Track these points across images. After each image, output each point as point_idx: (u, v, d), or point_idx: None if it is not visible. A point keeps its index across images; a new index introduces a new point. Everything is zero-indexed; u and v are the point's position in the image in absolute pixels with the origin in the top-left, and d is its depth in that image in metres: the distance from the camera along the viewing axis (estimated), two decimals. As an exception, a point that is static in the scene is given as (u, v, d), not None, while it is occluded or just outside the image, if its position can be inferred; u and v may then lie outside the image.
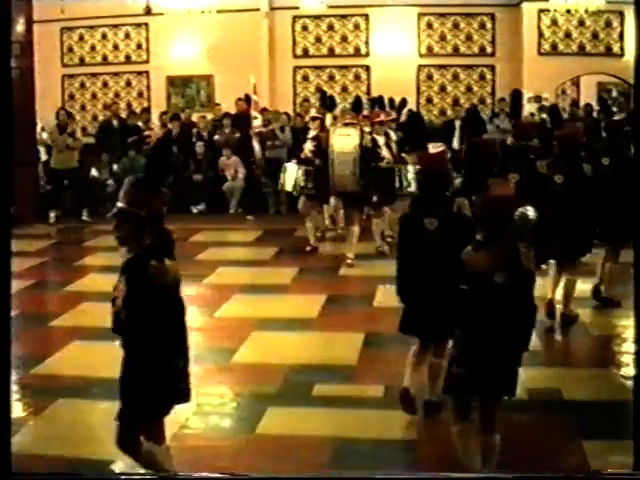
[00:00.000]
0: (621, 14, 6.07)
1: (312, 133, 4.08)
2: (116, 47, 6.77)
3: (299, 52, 6.61)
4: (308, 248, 4.21)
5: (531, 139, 2.92)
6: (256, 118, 5.31)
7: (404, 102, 4.87)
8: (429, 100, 6.55)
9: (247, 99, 5.45)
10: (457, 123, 6.00)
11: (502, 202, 1.59)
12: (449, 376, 1.64)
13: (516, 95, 3.35)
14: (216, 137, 5.93)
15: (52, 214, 5.25)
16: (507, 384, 1.61)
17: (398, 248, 1.81)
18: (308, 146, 4.00)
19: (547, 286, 2.74)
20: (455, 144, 5.95)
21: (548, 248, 2.47)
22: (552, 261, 2.76)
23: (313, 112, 4.37)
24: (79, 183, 5.38)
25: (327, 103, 4.18)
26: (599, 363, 2.53)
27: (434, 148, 1.88)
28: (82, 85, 6.86)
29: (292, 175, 4.04)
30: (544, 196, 2.41)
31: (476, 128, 4.05)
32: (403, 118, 5.48)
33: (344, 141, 3.78)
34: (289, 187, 4.15)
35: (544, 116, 5.28)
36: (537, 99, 6.14)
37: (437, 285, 1.76)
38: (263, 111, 5.80)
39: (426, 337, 1.88)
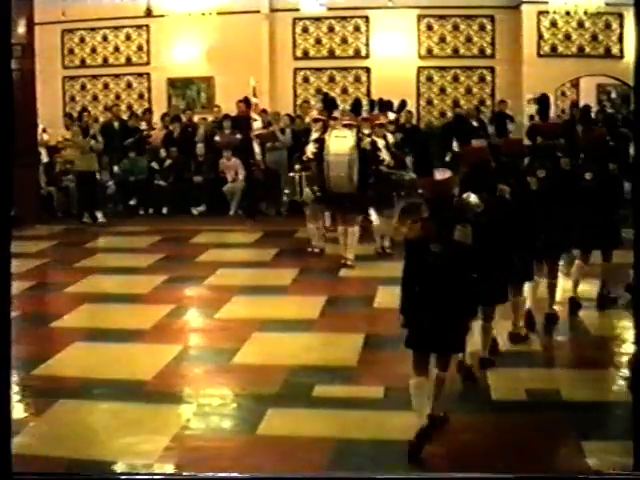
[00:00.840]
0: (620, 16, 6.08)
1: (314, 135, 4.07)
2: (117, 49, 6.79)
3: (299, 54, 6.62)
4: (316, 250, 4.20)
5: (558, 138, 3.01)
6: (256, 120, 5.33)
7: (403, 104, 4.86)
8: (429, 102, 6.56)
9: (247, 101, 5.47)
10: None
11: (441, 185, 1.87)
12: (407, 336, 1.88)
13: (544, 99, 3.49)
14: (216, 138, 5.94)
15: (86, 214, 5.26)
16: (452, 343, 1.86)
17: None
18: (310, 148, 4.00)
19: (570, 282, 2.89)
20: (455, 145, 5.97)
21: (580, 239, 2.78)
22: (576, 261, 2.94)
23: (315, 114, 4.36)
24: (95, 186, 5.38)
25: (329, 105, 4.18)
26: (599, 363, 2.53)
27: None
28: (83, 87, 6.88)
29: (296, 184, 4.03)
30: (571, 191, 2.69)
31: (466, 135, 4.28)
32: (402, 120, 5.58)
33: (340, 143, 3.78)
34: (297, 197, 4.16)
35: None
36: (536, 101, 6.15)
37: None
38: (263, 113, 5.83)
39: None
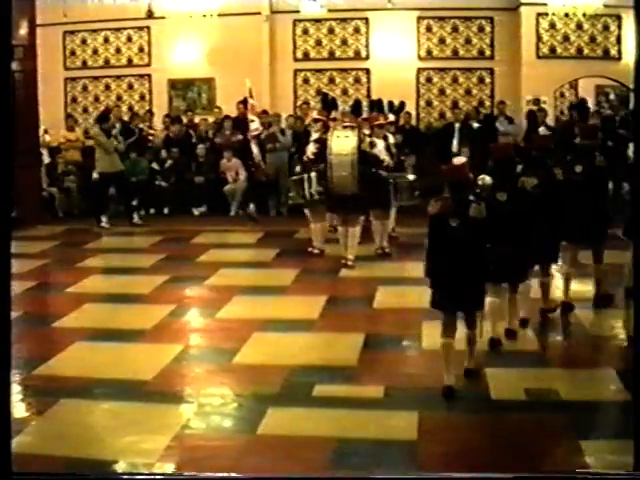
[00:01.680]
0: (619, 18, 6.08)
1: (315, 135, 4.07)
2: (118, 50, 6.80)
3: (300, 55, 6.63)
4: (316, 251, 4.21)
5: (595, 138, 3.17)
6: (253, 121, 5.34)
7: (402, 105, 4.87)
8: (428, 103, 6.56)
9: (244, 102, 5.49)
10: (457, 126, 6.02)
11: (458, 169, 2.27)
12: (431, 297, 2.24)
13: (583, 103, 4.02)
14: (216, 139, 5.97)
15: (104, 218, 5.16)
16: (472, 302, 2.22)
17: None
18: (311, 148, 4.00)
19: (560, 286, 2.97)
20: (454, 146, 5.99)
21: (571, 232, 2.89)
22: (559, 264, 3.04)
23: (315, 114, 4.36)
24: (125, 186, 5.31)
25: (329, 105, 4.19)
26: (598, 363, 2.54)
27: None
28: (84, 88, 6.88)
29: (299, 186, 4.00)
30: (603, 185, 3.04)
31: (493, 133, 4.73)
32: (402, 121, 5.59)
33: (342, 143, 3.79)
34: (300, 199, 4.14)
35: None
36: (535, 102, 6.18)
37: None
38: (263, 114, 5.84)
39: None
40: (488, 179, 2.43)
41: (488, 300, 2.37)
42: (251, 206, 5.44)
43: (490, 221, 2.24)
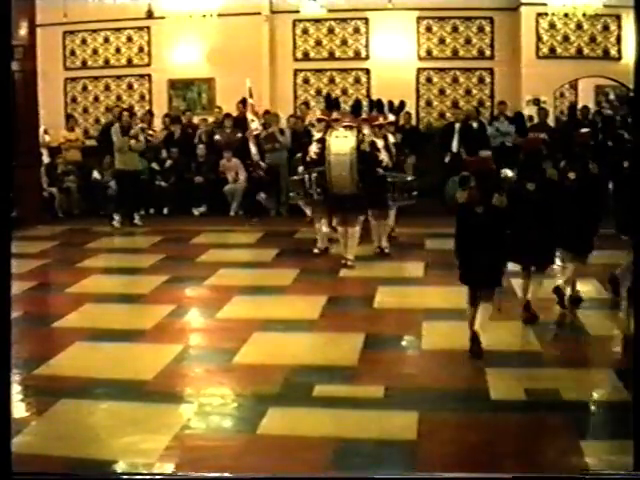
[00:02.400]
0: (618, 18, 6.08)
1: (317, 135, 4.07)
2: (118, 50, 6.79)
3: (299, 55, 6.63)
4: (316, 250, 4.21)
5: (588, 146, 3.34)
6: (253, 121, 5.34)
7: (402, 105, 4.87)
8: (428, 103, 6.55)
9: (243, 102, 5.48)
10: (457, 126, 6.01)
11: (483, 162, 2.74)
12: (459, 273, 2.58)
13: (574, 110, 4.25)
14: (216, 137, 5.93)
15: (116, 217, 5.11)
16: (494, 280, 2.52)
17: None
18: (313, 148, 3.99)
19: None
20: (454, 146, 5.98)
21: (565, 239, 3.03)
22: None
23: (318, 114, 4.35)
24: (141, 185, 5.24)
25: (332, 105, 4.18)
26: (598, 363, 2.54)
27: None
28: (84, 88, 6.87)
29: (300, 186, 4.00)
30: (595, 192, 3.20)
31: (525, 130, 5.04)
32: (402, 121, 5.59)
33: (341, 143, 3.79)
34: (301, 199, 4.13)
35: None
36: (535, 102, 6.18)
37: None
38: (265, 114, 5.83)
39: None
40: (510, 172, 2.81)
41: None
42: (262, 194, 5.42)
43: (519, 208, 2.61)
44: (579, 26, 6.15)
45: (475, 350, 2.48)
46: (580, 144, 3.08)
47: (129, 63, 6.79)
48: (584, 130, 3.82)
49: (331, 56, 6.59)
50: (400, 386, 2.30)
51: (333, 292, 3.46)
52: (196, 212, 5.77)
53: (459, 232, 2.53)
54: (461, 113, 6.14)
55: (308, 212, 4.38)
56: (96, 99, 6.84)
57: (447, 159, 5.92)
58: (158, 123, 6.37)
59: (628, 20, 5.86)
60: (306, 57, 6.63)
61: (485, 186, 2.48)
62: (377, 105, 4.36)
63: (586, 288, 3.15)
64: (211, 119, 6.27)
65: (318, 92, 6.44)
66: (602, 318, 3.02)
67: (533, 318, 2.84)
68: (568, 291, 3.03)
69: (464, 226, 2.51)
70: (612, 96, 6.96)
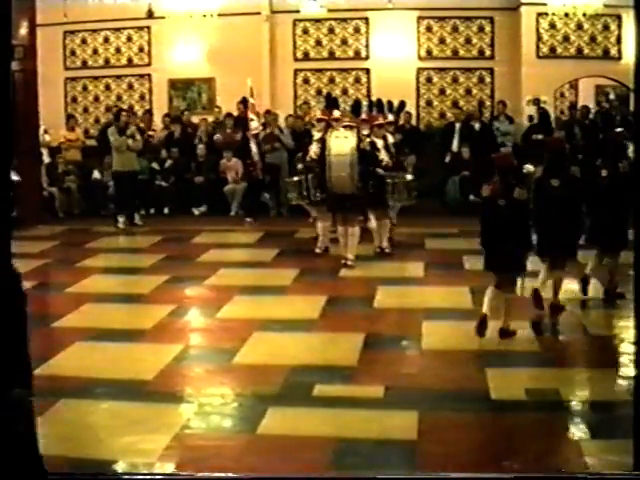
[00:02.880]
0: (619, 17, 6.08)
1: (317, 135, 4.07)
2: (118, 50, 6.79)
3: (300, 55, 6.62)
4: (317, 250, 4.21)
5: (563, 151, 3.44)
6: (253, 120, 5.34)
7: (402, 105, 4.87)
8: (428, 103, 6.55)
9: (244, 102, 5.48)
10: (457, 126, 6.01)
11: (505, 158, 2.95)
12: (484, 261, 2.77)
13: (546, 116, 4.40)
14: (216, 136, 5.93)
15: (121, 219, 5.06)
16: (517, 267, 2.69)
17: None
18: (313, 148, 4.00)
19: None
20: (454, 146, 5.98)
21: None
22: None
23: (318, 114, 4.37)
24: (139, 185, 5.20)
25: (332, 104, 4.19)
26: (598, 363, 2.54)
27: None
28: (84, 88, 6.88)
29: (303, 187, 4.01)
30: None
31: (550, 129, 5.17)
32: (402, 121, 5.58)
33: (341, 143, 3.80)
34: (300, 200, 4.14)
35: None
36: (535, 102, 6.18)
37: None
38: (266, 114, 5.81)
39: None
40: (531, 167, 3.21)
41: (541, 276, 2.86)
42: (265, 195, 5.45)
43: (545, 204, 2.82)
44: (579, 26, 6.15)
45: (480, 329, 2.66)
46: (613, 143, 3.23)
47: (129, 63, 6.79)
48: (619, 130, 3.91)
49: (331, 56, 6.59)
50: (400, 386, 2.29)
51: (333, 292, 3.46)
52: (196, 212, 5.77)
53: (484, 223, 2.73)
54: (461, 113, 6.14)
55: (313, 213, 4.37)
56: (96, 99, 6.84)
57: (447, 159, 5.92)
58: (158, 123, 6.38)
59: (628, 20, 5.86)
60: (306, 57, 6.62)
61: (507, 180, 2.66)
62: (377, 105, 4.36)
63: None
64: (211, 119, 6.28)
65: (318, 92, 6.43)
66: (602, 318, 3.02)
67: (560, 309, 2.95)
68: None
69: (488, 218, 2.71)
70: (612, 96, 6.96)
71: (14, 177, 1.66)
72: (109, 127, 5.48)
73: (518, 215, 2.65)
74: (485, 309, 2.67)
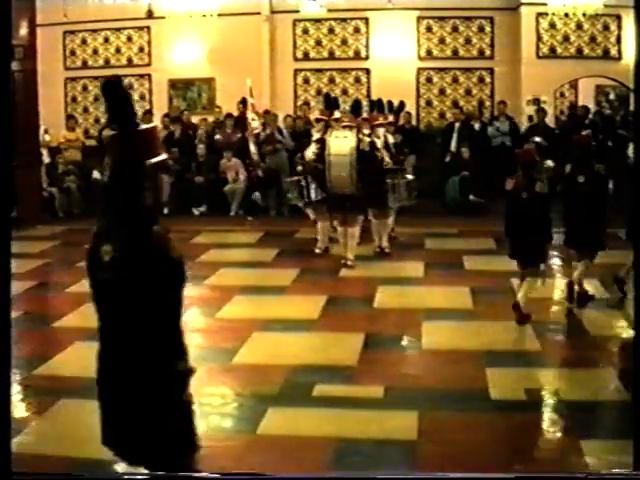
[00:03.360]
0: (618, 17, 6.08)
1: (316, 136, 4.07)
2: (118, 50, 6.80)
3: (300, 55, 6.63)
4: (317, 250, 4.21)
5: (533, 162, 3.54)
6: (253, 120, 5.33)
7: (402, 105, 4.87)
8: (428, 103, 6.56)
9: (243, 102, 5.48)
10: (456, 125, 6.01)
11: (527, 154, 3.15)
12: (509, 251, 2.96)
13: (516, 129, 4.56)
14: (217, 137, 5.95)
15: None
16: (538, 257, 2.87)
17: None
18: (312, 149, 4.00)
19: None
20: (452, 146, 5.98)
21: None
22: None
23: (317, 114, 4.35)
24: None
25: (331, 105, 4.18)
26: (598, 363, 2.54)
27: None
28: (84, 88, 6.88)
29: (303, 187, 4.00)
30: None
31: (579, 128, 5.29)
32: (402, 121, 5.58)
33: (341, 143, 3.79)
34: (299, 201, 4.13)
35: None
36: (535, 102, 6.18)
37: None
38: (265, 114, 5.81)
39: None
40: (550, 163, 3.43)
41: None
42: (256, 194, 5.43)
43: (571, 199, 3.02)
44: (579, 26, 6.15)
45: (518, 318, 2.82)
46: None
47: (129, 63, 6.80)
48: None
49: (331, 56, 6.59)
50: (400, 386, 2.29)
51: (333, 292, 3.46)
52: (196, 212, 5.77)
53: (507, 215, 2.92)
54: (460, 113, 6.11)
55: (311, 215, 4.35)
56: (96, 99, 6.83)
57: (447, 159, 5.92)
58: (158, 123, 6.39)
59: (628, 20, 5.87)
60: (306, 57, 6.63)
61: (529, 175, 2.84)
62: (377, 105, 4.36)
63: (587, 287, 3.15)
64: (211, 119, 6.28)
65: (318, 92, 6.42)
66: (602, 318, 3.02)
67: (588, 297, 3.08)
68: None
69: (512, 209, 2.89)
70: (612, 96, 6.97)
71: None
72: (104, 130, 5.49)
73: (539, 207, 2.80)
74: (518, 297, 2.89)
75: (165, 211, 5.88)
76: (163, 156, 1.43)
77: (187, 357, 1.53)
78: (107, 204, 1.44)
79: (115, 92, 1.38)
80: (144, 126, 1.43)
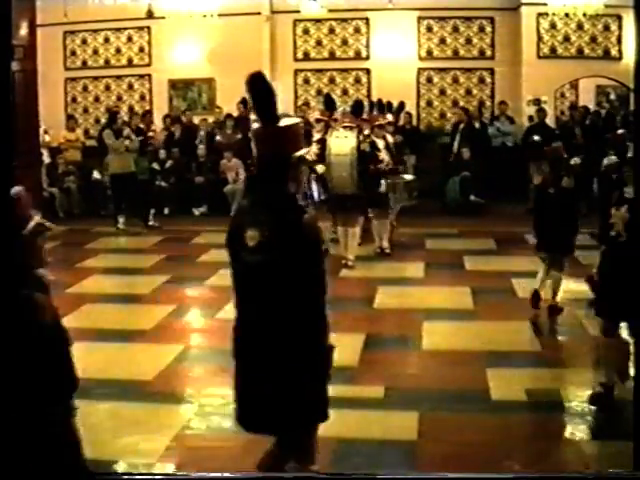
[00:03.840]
0: (619, 18, 6.08)
1: (317, 136, 4.08)
2: (118, 50, 6.80)
3: (300, 55, 6.63)
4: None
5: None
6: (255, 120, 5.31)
7: (402, 105, 4.90)
8: (429, 103, 6.56)
9: (244, 102, 5.49)
10: (461, 126, 5.97)
11: (555, 151, 3.17)
12: (536, 243, 3.12)
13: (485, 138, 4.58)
14: (217, 138, 5.95)
15: (121, 219, 5.03)
16: (565, 248, 3.06)
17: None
18: (313, 149, 3.99)
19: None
20: (454, 147, 5.98)
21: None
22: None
23: (317, 114, 4.36)
24: (138, 186, 5.16)
25: (331, 105, 4.19)
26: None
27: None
28: (85, 88, 6.88)
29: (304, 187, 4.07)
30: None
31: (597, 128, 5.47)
32: (402, 121, 5.59)
33: (341, 143, 3.80)
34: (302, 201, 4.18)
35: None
36: (536, 102, 6.18)
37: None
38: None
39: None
40: (577, 159, 3.57)
41: None
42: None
43: (542, 208, 3.06)
44: (580, 26, 6.15)
45: (533, 302, 2.97)
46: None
47: (129, 63, 6.79)
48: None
49: (331, 56, 6.59)
50: (400, 386, 2.30)
51: (333, 292, 3.40)
52: (196, 212, 5.77)
53: (536, 209, 3.08)
54: (463, 113, 6.09)
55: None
56: (96, 99, 6.84)
57: (451, 159, 5.92)
58: (158, 123, 6.38)
59: (629, 20, 5.86)
60: (306, 57, 6.63)
61: (557, 171, 2.96)
62: (378, 105, 4.36)
63: (586, 287, 3.15)
64: (211, 119, 6.28)
65: (318, 92, 6.43)
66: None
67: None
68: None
69: (540, 203, 3.04)
70: (613, 96, 6.96)
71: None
72: (104, 130, 5.42)
73: (566, 202, 2.92)
74: (537, 285, 2.99)
75: (166, 211, 5.91)
76: (304, 150, 1.50)
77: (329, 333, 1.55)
78: (253, 193, 1.47)
79: (259, 86, 1.42)
80: (289, 121, 1.48)
